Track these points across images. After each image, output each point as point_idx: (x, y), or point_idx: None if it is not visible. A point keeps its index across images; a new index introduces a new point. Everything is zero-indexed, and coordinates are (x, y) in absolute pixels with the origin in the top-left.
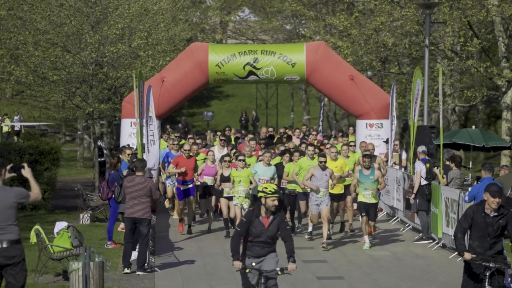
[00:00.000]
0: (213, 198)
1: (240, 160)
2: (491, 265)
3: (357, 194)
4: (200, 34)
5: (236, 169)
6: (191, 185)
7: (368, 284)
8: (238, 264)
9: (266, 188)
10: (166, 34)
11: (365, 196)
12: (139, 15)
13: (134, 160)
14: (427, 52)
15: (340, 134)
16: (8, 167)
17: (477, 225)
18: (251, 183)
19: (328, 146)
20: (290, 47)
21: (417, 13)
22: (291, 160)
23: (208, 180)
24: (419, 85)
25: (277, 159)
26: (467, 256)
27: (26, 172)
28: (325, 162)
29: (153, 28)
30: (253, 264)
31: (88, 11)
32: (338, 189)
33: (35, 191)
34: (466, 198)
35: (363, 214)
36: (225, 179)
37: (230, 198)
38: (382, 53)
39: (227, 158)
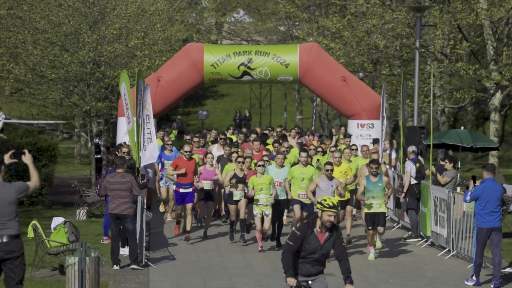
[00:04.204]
0: (212, 203)
1: (260, 166)
2: None
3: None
4: (195, 34)
5: (256, 176)
6: (190, 189)
7: (358, 280)
8: (292, 281)
9: (324, 200)
10: (163, 35)
11: (373, 206)
12: (136, 16)
13: (130, 157)
14: (417, 54)
15: (328, 135)
16: (9, 153)
17: None
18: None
19: (332, 149)
20: (284, 48)
21: (408, 16)
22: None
23: (207, 185)
24: (404, 86)
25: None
26: None
27: (27, 158)
28: (331, 171)
29: (149, 29)
30: (309, 282)
31: (86, 11)
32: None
33: (34, 178)
34: (468, 198)
35: (370, 227)
36: (239, 180)
37: (238, 201)
38: (373, 54)
39: (240, 159)
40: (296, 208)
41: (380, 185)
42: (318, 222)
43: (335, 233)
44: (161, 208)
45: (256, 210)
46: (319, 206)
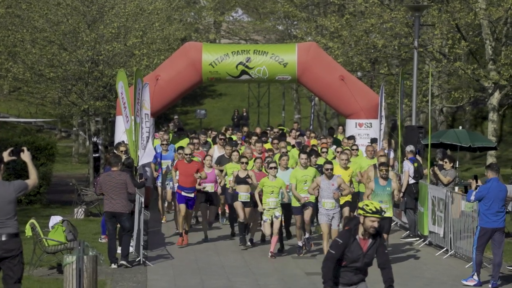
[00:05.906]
0: (214, 207)
1: (272, 168)
2: None
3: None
4: (194, 33)
5: (268, 178)
6: (192, 194)
7: None
8: None
9: (366, 205)
10: (161, 33)
11: None
12: (134, 15)
13: (128, 156)
14: (416, 53)
15: (327, 133)
16: (8, 150)
17: None
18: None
19: (338, 150)
20: (282, 47)
21: (406, 15)
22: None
23: (208, 187)
24: (402, 86)
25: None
26: None
27: (25, 155)
28: (331, 169)
29: (148, 27)
30: None
31: (85, 10)
32: (346, 198)
33: (32, 176)
34: (472, 197)
35: None
36: (241, 180)
37: (244, 203)
38: (372, 54)
39: (244, 160)
40: (298, 217)
41: (388, 189)
42: (361, 229)
43: (379, 239)
44: (163, 220)
45: (266, 216)
46: (361, 211)
